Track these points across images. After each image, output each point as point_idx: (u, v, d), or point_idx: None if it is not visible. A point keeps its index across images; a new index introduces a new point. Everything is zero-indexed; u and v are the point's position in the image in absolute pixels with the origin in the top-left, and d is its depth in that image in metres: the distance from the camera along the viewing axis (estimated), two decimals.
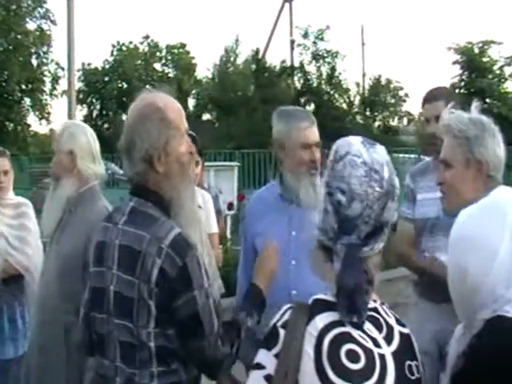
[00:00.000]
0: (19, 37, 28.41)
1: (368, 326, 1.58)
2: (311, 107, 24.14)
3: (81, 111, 37.31)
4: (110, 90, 38.28)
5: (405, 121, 37.62)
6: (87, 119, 38.15)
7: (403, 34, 75.53)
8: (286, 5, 27.55)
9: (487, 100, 23.68)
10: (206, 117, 38.93)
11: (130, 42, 40.63)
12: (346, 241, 1.58)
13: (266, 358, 1.58)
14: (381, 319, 1.61)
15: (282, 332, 1.57)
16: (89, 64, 39.62)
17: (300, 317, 1.57)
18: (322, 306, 1.59)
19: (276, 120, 3.14)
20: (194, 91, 40.63)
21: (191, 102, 40.88)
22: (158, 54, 41.40)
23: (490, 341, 1.58)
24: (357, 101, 28.19)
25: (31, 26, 29.50)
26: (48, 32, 29.73)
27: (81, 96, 36.17)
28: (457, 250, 1.66)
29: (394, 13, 75.30)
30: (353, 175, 1.58)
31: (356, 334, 1.55)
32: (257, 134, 20.41)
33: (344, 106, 25.98)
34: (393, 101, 33.70)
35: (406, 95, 35.50)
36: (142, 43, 41.00)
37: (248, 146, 19.05)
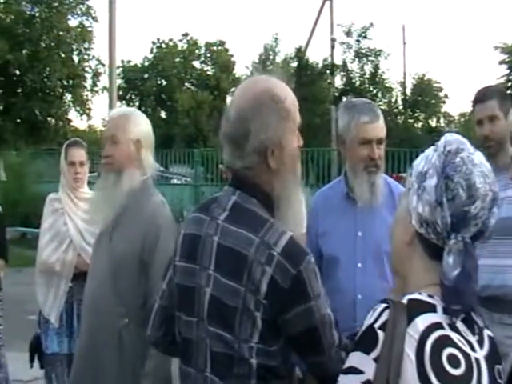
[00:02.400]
0: (61, 34, 28.75)
1: (463, 328, 1.51)
2: None
3: (120, 107, 37.58)
4: (148, 86, 38.72)
5: (442, 122, 37.21)
6: None
7: (445, 32, 74.66)
8: (327, 3, 27.41)
9: None
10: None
11: (170, 40, 41.09)
12: (460, 237, 1.50)
13: (363, 361, 1.46)
14: (473, 320, 1.55)
15: (380, 334, 1.46)
16: (128, 61, 40.16)
17: (399, 318, 1.46)
18: (420, 307, 1.49)
19: (340, 113, 3.01)
20: (232, 89, 40.66)
21: (229, 100, 40.95)
22: (196, 51, 41.73)
23: None
24: (399, 100, 27.91)
25: (73, 22, 29.86)
26: (89, 29, 30.02)
27: (120, 92, 36.42)
28: None
29: (436, 11, 74.47)
30: (474, 173, 1.53)
31: (455, 337, 1.47)
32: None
33: (385, 105, 25.71)
34: (433, 101, 33.37)
35: (446, 96, 35.15)
36: (181, 41, 41.41)
37: None
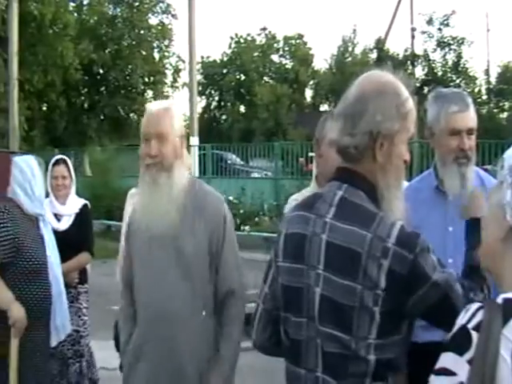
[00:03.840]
0: (142, 32, 29.31)
1: None
2: None
3: (200, 102, 38.12)
4: (227, 81, 39.04)
5: None
6: (206, 110, 39.14)
7: None
8: None
9: None
10: (323, 108, 38.75)
11: (248, 35, 41.27)
12: None
13: (456, 363, 1.41)
14: None
15: (474, 335, 1.40)
16: (208, 57, 40.62)
17: (495, 318, 1.39)
18: None
19: (429, 104, 2.95)
20: (311, 82, 40.55)
21: (309, 93, 40.89)
22: (275, 45, 41.75)
23: None
24: (483, 90, 27.15)
25: (153, 20, 30.37)
26: (169, 26, 30.49)
27: (200, 88, 36.95)
28: None
29: None
30: None
31: None
32: None
33: (470, 95, 25.07)
34: None
35: None
36: (259, 35, 41.51)
37: None
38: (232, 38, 41.16)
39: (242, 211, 13.62)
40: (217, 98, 40.67)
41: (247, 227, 12.63)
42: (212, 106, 40.89)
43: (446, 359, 1.44)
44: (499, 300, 1.44)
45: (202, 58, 39.55)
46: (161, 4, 30.63)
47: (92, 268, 5.30)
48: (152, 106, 2.99)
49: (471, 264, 2.04)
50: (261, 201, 14.82)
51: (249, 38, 41.22)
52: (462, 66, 24.13)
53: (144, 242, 2.91)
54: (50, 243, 4.14)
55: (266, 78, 40.32)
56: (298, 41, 41.76)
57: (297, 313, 1.93)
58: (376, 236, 1.79)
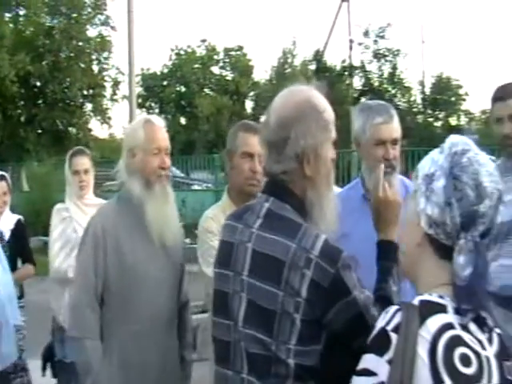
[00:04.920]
0: (80, 44, 28.90)
1: (474, 327, 1.54)
2: None
3: (140, 115, 37.77)
4: (168, 93, 38.77)
5: (463, 120, 36.89)
6: None
7: (464, 30, 74.02)
8: (344, 4, 27.33)
9: None
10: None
11: (188, 46, 41.10)
12: (470, 237, 1.54)
13: (377, 364, 1.50)
14: (483, 318, 1.57)
15: (393, 336, 1.49)
16: (148, 69, 40.28)
17: (412, 319, 1.49)
18: (431, 308, 1.52)
19: (355, 116, 3.05)
20: (251, 93, 40.64)
21: (249, 104, 40.97)
22: (215, 57, 41.64)
23: None
24: (418, 100, 27.79)
25: (92, 32, 29.98)
26: (108, 38, 30.16)
27: (140, 100, 36.60)
28: None
29: (455, 8, 73.88)
30: (481, 173, 1.56)
31: (466, 336, 1.51)
32: None
33: (405, 105, 25.61)
34: (453, 99, 33.12)
35: (466, 94, 34.84)
36: (199, 47, 41.40)
37: None
38: (172, 50, 40.93)
39: (182, 224, 13.55)
40: (157, 111, 40.33)
41: (188, 240, 12.57)
42: None
43: (367, 360, 1.53)
44: (416, 302, 1.53)
45: (142, 70, 39.23)
46: (99, 16, 30.27)
47: (31, 285, 5.21)
48: (154, 120, 3.13)
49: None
50: (201, 213, 14.74)
51: (189, 50, 41.06)
52: (397, 76, 24.68)
53: (142, 252, 3.01)
54: None
55: (206, 90, 40.23)
56: (238, 52, 41.78)
57: (224, 316, 2.01)
58: (300, 247, 1.87)
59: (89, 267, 2.95)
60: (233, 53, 41.71)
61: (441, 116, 30.46)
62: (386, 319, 1.54)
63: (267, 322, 1.88)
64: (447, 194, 1.56)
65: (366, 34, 24.77)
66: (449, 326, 1.50)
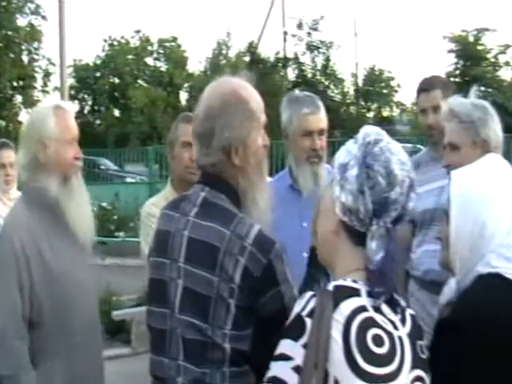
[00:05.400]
0: (10, 33, 28.20)
1: (386, 308, 1.59)
2: None
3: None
4: (101, 85, 38.26)
5: (397, 111, 37.71)
6: (79, 115, 38.10)
7: (396, 23, 75.46)
8: None
9: (482, 88, 23.70)
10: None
11: (122, 37, 40.65)
12: (382, 223, 1.59)
13: (292, 348, 1.54)
14: (395, 300, 1.63)
15: (308, 321, 1.54)
16: (80, 60, 39.60)
17: (326, 304, 1.53)
18: (344, 292, 1.57)
19: (283, 107, 3.08)
20: (186, 85, 40.46)
21: (183, 96, 40.80)
22: (149, 48, 41.33)
23: (477, 296, 1.73)
24: (351, 91, 28.21)
25: (22, 22, 29.31)
26: (39, 28, 29.53)
27: (72, 92, 35.96)
28: (474, 207, 1.77)
29: (388, 2, 75.15)
30: (392, 161, 1.61)
31: (378, 318, 1.56)
32: None
33: (338, 96, 25.99)
34: (385, 91, 33.79)
35: (398, 85, 35.60)
36: (133, 38, 41.00)
37: None
38: (105, 41, 40.43)
39: (116, 217, 13.39)
40: (90, 102, 39.77)
41: (122, 233, 12.45)
42: (86, 111, 39.92)
43: (284, 345, 1.56)
44: (330, 287, 1.57)
45: (75, 61, 38.50)
46: (30, 4, 29.60)
47: None
48: (65, 106, 2.87)
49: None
50: (135, 206, 14.62)
51: (123, 41, 40.60)
52: (330, 68, 25.01)
53: (65, 256, 2.74)
54: None
55: (140, 81, 39.86)
56: (172, 43, 41.56)
57: (160, 304, 2.01)
58: (235, 234, 1.89)
59: (12, 289, 2.58)
60: (167, 44, 41.48)
61: (373, 107, 31.07)
62: (301, 305, 1.57)
63: (203, 307, 1.89)
64: (360, 182, 1.61)
65: (300, 26, 24.99)
66: (362, 309, 1.54)
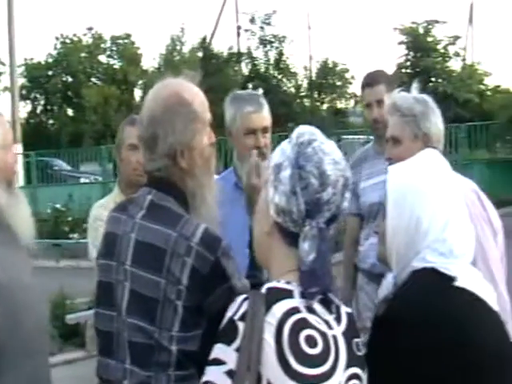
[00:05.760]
0: None
1: (320, 308, 1.59)
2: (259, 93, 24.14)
3: (24, 107, 36.57)
4: (53, 84, 37.67)
5: (352, 102, 38.04)
6: (31, 116, 37.55)
7: (349, 16, 75.89)
8: None
9: (432, 79, 24.07)
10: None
11: (74, 35, 40.06)
12: (314, 224, 1.59)
13: (225, 352, 1.54)
14: (329, 300, 1.62)
15: (240, 325, 1.54)
16: (31, 59, 38.95)
17: (258, 307, 1.53)
18: (277, 294, 1.57)
19: (226, 106, 3.08)
20: (140, 82, 40.10)
21: (138, 93, 40.46)
22: (102, 45, 40.86)
23: (411, 292, 1.72)
24: (305, 84, 28.34)
25: None
26: None
27: (24, 92, 35.44)
28: (409, 202, 1.77)
29: None
30: (325, 161, 1.61)
31: (312, 318, 1.55)
32: None
33: (292, 90, 26.09)
34: (340, 83, 34.04)
35: (353, 77, 35.89)
36: (85, 35, 40.45)
37: None
38: (57, 39, 39.82)
39: (70, 219, 13.32)
40: (43, 102, 39.16)
41: (76, 235, 12.36)
42: (38, 111, 39.33)
43: (217, 350, 1.56)
44: (263, 290, 1.58)
45: (26, 60, 37.94)
46: None
47: None
48: None
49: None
50: (89, 207, 14.51)
51: (75, 39, 40.06)
52: (283, 62, 25.09)
53: (11, 264, 2.62)
54: None
55: (93, 80, 39.40)
56: (125, 40, 41.17)
57: (108, 306, 2.01)
58: (181, 235, 1.89)
59: None
60: (120, 41, 41.05)
61: (327, 100, 31.26)
62: (234, 309, 1.58)
63: (150, 310, 1.89)
64: (292, 183, 1.61)
65: (253, 20, 25.02)
66: (294, 310, 1.54)
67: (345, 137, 19.82)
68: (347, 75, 35.45)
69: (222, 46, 43.25)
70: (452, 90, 22.79)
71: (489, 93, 24.01)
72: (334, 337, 1.58)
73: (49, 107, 38.90)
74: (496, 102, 20.32)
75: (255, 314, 1.52)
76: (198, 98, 2.02)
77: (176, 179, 2.00)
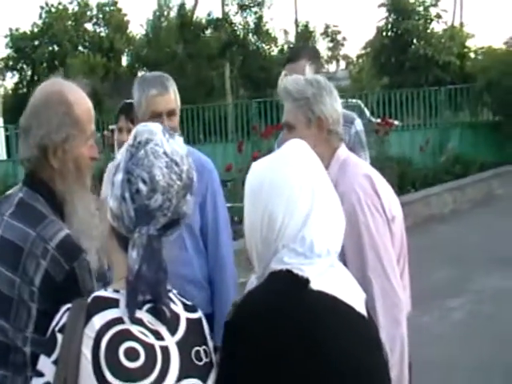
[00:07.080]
0: None
1: (149, 318, 1.52)
2: (239, 59, 23.97)
3: (11, 78, 36.38)
4: (40, 54, 37.36)
5: (342, 64, 37.83)
6: (18, 86, 37.38)
7: None
8: None
9: (414, 41, 23.87)
10: (140, 75, 38.21)
11: (59, 3, 39.66)
12: (144, 231, 1.51)
13: (45, 364, 1.49)
14: (161, 310, 1.54)
15: (59, 337, 1.48)
16: (17, 29, 38.59)
17: (77, 318, 1.48)
18: (100, 304, 1.50)
19: (133, 89, 3.03)
20: (127, 49, 39.80)
21: (125, 61, 40.19)
22: (88, 13, 40.46)
23: (259, 296, 1.60)
24: (285, 48, 28.06)
25: None
26: None
27: (10, 63, 35.26)
28: (263, 197, 1.64)
29: None
30: (156, 166, 1.52)
31: (136, 330, 1.49)
32: (186, 89, 20.21)
33: (274, 54, 25.84)
34: (331, 45, 33.84)
35: (344, 39, 35.66)
36: (71, 3, 40.05)
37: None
38: (42, 8, 39.44)
39: None
40: (29, 72, 38.86)
41: None
42: (25, 82, 39.01)
43: (40, 361, 1.51)
44: (89, 299, 1.51)
45: (11, 30, 37.68)
46: None
47: None
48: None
49: None
50: None
51: (60, 7, 39.67)
52: (262, 27, 24.89)
53: None
54: None
55: (80, 48, 39.11)
56: (112, 7, 40.80)
57: None
58: (39, 236, 1.86)
59: None
60: (107, 8, 40.68)
61: None
62: (56, 319, 1.52)
63: (6, 308, 1.87)
64: (123, 188, 1.53)
65: None
66: (116, 322, 1.47)
67: None
68: (339, 37, 35.38)
69: (203, 13, 42.84)
70: (433, 52, 22.62)
71: (472, 55, 23.79)
72: (165, 348, 1.51)
73: (35, 77, 38.61)
74: (478, 64, 20.13)
75: (73, 326, 1.47)
76: (82, 106, 2.00)
77: (46, 177, 1.99)
